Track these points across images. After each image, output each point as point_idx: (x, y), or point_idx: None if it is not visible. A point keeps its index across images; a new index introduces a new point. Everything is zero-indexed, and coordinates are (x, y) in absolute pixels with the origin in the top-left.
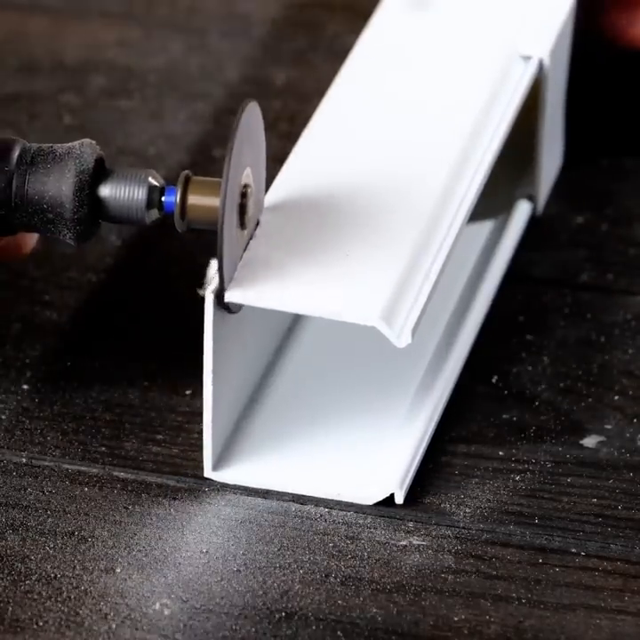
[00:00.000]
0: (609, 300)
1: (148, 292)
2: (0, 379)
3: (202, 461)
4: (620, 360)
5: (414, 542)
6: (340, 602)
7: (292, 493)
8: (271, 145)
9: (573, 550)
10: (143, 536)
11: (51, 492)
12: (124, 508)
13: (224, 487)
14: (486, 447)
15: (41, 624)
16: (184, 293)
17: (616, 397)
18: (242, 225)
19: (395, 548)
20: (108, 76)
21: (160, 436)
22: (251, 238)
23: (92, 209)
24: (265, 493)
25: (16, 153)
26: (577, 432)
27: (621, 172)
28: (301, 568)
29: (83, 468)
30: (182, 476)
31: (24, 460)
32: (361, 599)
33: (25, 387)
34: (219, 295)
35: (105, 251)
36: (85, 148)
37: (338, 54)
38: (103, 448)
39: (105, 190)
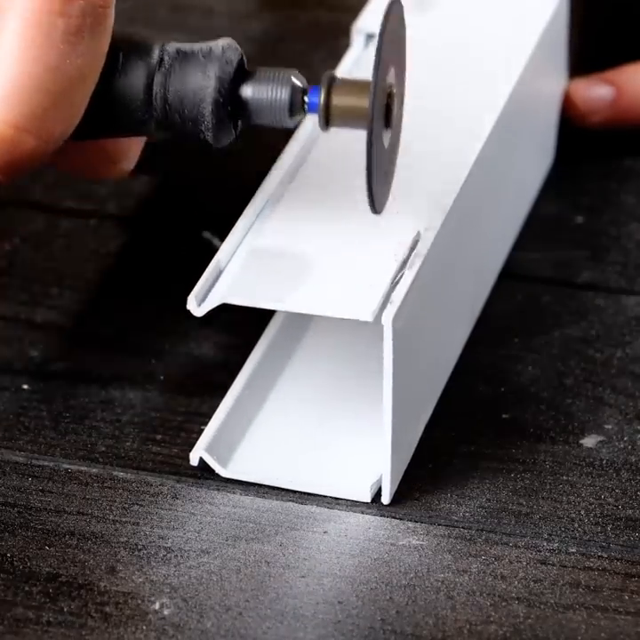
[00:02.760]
0: (609, 300)
1: (149, 291)
2: (0, 378)
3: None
4: (619, 360)
5: (414, 542)
6: (339, 602)
7: (291, 493)
8: (268, 144)
9: (573, 550)
10: (143, 536)
11: (51, 491)
12: (124, 507)
13: (224, 487)
14: (486, 447)
15: (42, 624)
16: (186, 292)
17: (616, 397)
18: (387, 125)
19: (394, 548)
20: None
21: (160, 436)
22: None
23: (233, 109)
24: (265, 493)
25: (156, 51)
26: (577, 432)
27: (621, 172)
28: (301, 567)
29: (83, 468)
30: (182, 475)
31: (24, 460)
32: (361, 599)
33: (25, 387)
34: (370, 193)
35: (105, 251)
36: (228, 47)
37: (339, 55)
38: (103, 448)
39: (247, 91)
